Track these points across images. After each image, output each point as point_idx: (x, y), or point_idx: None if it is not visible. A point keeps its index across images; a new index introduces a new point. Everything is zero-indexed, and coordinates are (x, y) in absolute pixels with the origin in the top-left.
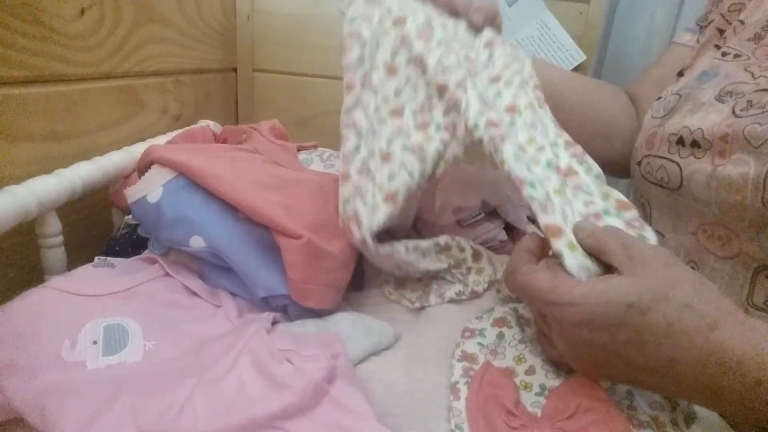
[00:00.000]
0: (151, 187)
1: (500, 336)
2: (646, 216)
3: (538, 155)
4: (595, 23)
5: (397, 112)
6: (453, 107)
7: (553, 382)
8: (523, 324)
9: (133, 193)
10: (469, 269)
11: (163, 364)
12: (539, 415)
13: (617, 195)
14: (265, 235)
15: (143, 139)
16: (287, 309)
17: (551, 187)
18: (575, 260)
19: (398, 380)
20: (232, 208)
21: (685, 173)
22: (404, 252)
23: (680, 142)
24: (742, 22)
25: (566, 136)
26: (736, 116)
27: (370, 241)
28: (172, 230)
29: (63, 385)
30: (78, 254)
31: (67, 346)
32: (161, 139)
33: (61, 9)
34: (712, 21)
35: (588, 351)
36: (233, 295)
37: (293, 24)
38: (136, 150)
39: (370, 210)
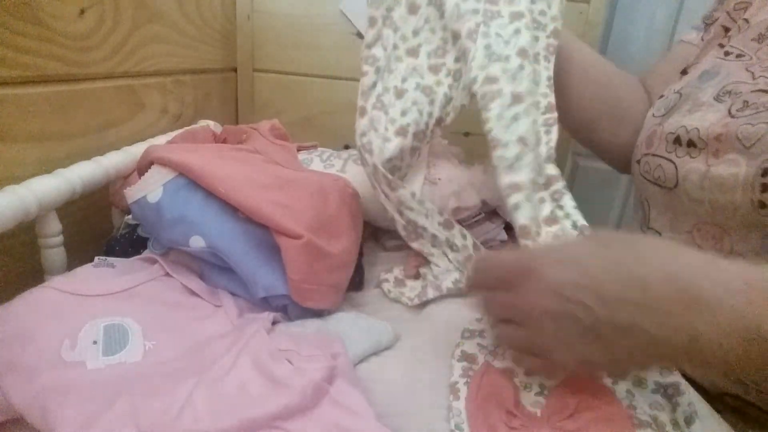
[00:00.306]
0: (151, 187)
1: None
2: (645, 215)
3: (530, 109)
4: (595, 23)
5: (413, 52)
6: (462, 56)
7: (553, 381)
8: None
9: (133, 193)
10: (468, 257)
11: (163, 364)
12: (539, 414)
13: (551, 170)
14: (265, 235)
15: (143, 139)
16: (287, 309)
17: (532, 142)
18: (528, 211)
19: (398, 380)
20: (232, 208)
21: (680, 173)
22: (409, 197)
23: (677, 141)
24: (747, 21)
25: (551, 98)
26: (732, 116)
27: (381, 167)
28: (172, 230)
29: (63, 385)
30: (78, 254)
31: (67, 346)
32: (161, 139)
33: (61, 9)
34: (717, 19)
35: (564, 301)
36: (233, 295)
37: (293, 24)
38: (136, 150)
39: (381, 140)
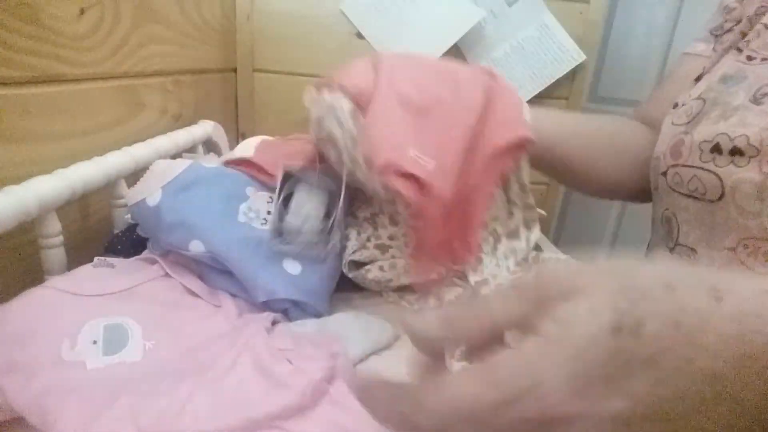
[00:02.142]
0: (151, 190)
1: None
2: (672, 230)
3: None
4: (595, 23)
5: None
6: None
7: None
8: None
9: (132, 195)
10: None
11: (162, 364)
12: None
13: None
14: (265, 239)
15: (143, 139)
16: (287, 312)
17: None
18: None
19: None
20: (231, 213)
21: (726, 183)
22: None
23: (716, 149)
24: (765, 25)
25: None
26: None
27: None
28: (172, 234)
29: (63, 385)
30: (78, 254)
31: (66, 346)
32: (161, 140)
33: (61, 9)
34: (729, 29)
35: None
36: (233, 296)
37: (293, 24)
38: (136, 150)
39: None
